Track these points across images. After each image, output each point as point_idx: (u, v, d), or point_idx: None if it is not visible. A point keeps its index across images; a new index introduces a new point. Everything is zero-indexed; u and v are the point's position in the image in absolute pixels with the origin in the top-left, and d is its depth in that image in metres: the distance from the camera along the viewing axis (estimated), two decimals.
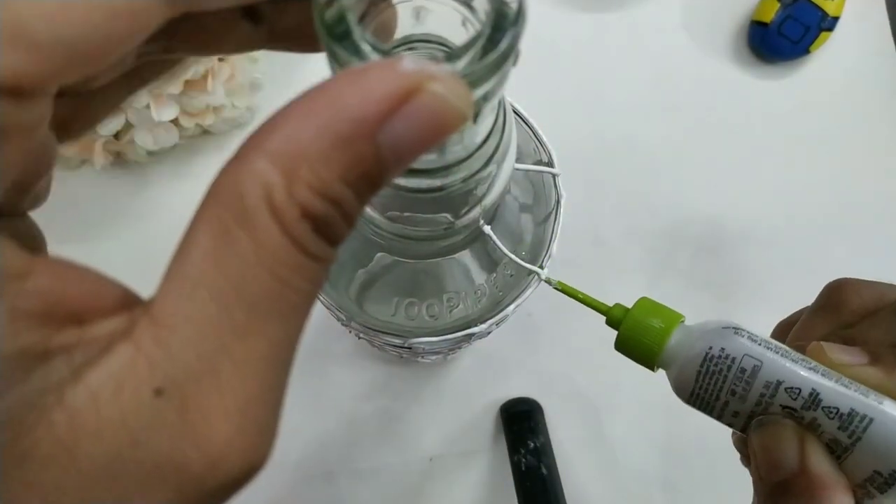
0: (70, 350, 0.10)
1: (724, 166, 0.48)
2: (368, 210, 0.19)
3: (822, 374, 0.19)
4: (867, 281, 0.23)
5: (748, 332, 0.20)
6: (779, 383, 0.19)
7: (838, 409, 0.19)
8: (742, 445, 0.25)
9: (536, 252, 0.26)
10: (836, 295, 0.23)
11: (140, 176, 0.45)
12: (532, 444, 0.41)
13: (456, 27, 0.15)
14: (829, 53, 0.49)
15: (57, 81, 0.10)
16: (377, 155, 0.10)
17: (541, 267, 0.25)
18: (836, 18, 0.47)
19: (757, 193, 0.47)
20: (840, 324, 0.23)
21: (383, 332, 0.25)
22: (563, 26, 0.49)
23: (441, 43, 0.16)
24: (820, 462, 0.19)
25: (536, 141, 0.27)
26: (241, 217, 0.10)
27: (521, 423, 0.43)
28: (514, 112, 0.26)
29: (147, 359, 0.10)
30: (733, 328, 0.20)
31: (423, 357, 0.39)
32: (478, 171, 0.17)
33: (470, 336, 0.25)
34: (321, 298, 0.25)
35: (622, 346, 0.22)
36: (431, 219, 0.19)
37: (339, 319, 0.26)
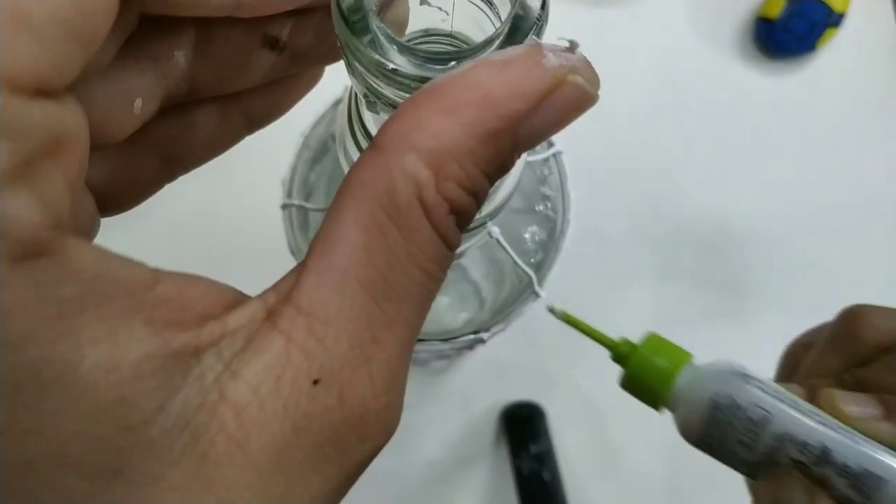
0: (217, 344, 0.10)
1: (730, 164, 0.47)
2: None
3: (834, 429, 0.19)
4: (883, 309, 0.23)
5: (758, 381, 0.20)
6: (789, 435, 0.19)
7: (849, 468, 0.18)
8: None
9: (542, 261, 0.25)
10: (851, 326, 0.23)
11: None
12: (534, 449, 0.41)
13: (472, 23, 0.14)
14: (835, 50, 0.48)
15: (70, 71, 0.10)
16: (513, 146, 0.11)
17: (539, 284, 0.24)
18: (842, 14, 0.46)
19: (764, 191, 0.47)
20: (855, 357, 0.22)
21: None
22: (565, 22, 0.48)
23: (456, 38, 0.15)
24: None
25: None
26: (393, 213, 0.10)
27: (523, 427, 0.42)
28: None
29: (302, 350, 0.10)
30: (742, 375, 0.20)
31: (427, 364, 0.38)
32: None
33: (476, 342, 0.25)
34: None
35: (629, 383, 0.22)
36: None
37: None
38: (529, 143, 0.11)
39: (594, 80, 0.11)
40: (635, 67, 0.48)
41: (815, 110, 0.48)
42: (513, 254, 0.23)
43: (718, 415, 0.19)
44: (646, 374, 0.21)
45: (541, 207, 0.26)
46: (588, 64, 0.11)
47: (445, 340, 0.25)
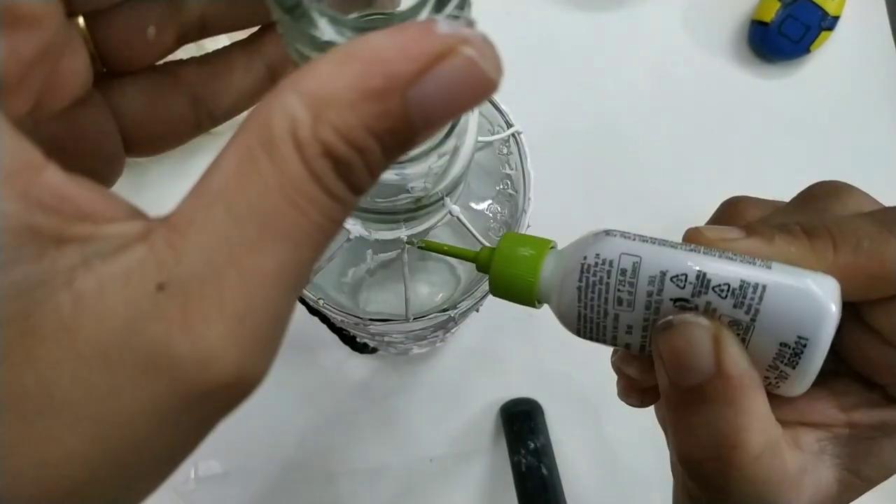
0: (84, 241, 0.10)
1: (724, 166, 0.48)
2: None
3: (704, 254, 0.17)
4: (761, 199, 0.23)
5: (620, 231, 0.19)
6: (663, 274, 0.17)
7: (729, 285, 0.17)
8: (623, 363, 0.21)
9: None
10: (734, 208, 0.22)
11: (140, 176, 0.45)
12: (532, 445, 0.42)
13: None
14: (829, 53, 0.49)
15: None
16: (405, 112, 0.11)
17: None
18: (836, 18, 0.47)
19: (757, 193, 0.47)
20: None
21: (377, 321, 0.25)
22: (562, 25, 0.49)
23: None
24: (737, 361, 0.17)
25: (494, 107, 0.26)
26: (265, 143, 0.11)
27: (521, 423, 0.43)
28: None
29: (157, 257, 0.10)
30: (604, 231, 0.19)
31: (407, 352, 0.38)
32: (439, 144, 0.16)
33: (448, 321, 0.25)
34: (328, 308, 0.25)
35: (497, 285, 0.20)
36: (394, 192, 0.19)
37: (347, 324, 0.26)
38: (425, 113, 0.11)
39: (490, 58, 0.11)
40: (632, 71, 0.49)
41: (809, 112, 0.49)
42: (473, 230, 0.22)
43: (589, 277, 0.18)
44: (511, 269, 0.19)
45: (501, 187, 0.26)
46: (485, 41, 0.11)
47: (413, 320, 0.24)
